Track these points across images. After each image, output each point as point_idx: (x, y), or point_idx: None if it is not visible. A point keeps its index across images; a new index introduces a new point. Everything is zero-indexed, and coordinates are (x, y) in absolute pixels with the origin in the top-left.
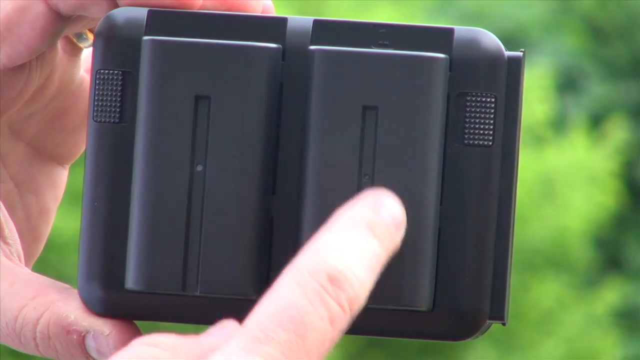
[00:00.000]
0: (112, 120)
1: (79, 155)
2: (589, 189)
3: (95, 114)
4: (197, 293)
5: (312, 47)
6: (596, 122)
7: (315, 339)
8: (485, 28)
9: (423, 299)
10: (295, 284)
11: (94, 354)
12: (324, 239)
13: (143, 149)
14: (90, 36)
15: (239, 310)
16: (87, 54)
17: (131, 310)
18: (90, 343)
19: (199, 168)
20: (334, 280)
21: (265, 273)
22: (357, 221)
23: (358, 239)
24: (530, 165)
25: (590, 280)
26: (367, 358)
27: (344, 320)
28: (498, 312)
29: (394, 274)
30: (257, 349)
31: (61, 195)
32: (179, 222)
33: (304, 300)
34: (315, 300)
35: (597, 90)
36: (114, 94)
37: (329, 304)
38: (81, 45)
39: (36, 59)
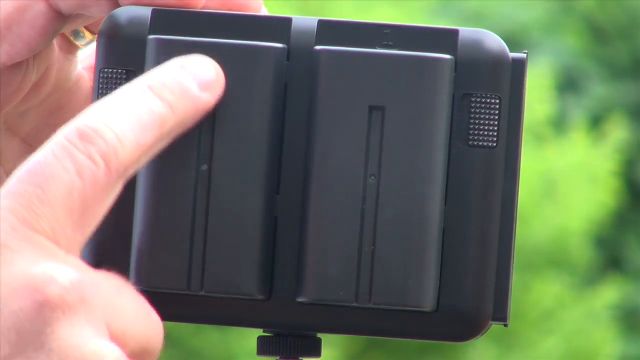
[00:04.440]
0: None
1: None
2: (589, 188)
3: None
4: (202, 292)
5: (317, 47)
6: (596, 121)
7: (59, 189)
8: (486, 28)
9: (427, 300)
10: (47, 145)
11: None
12: (94, 104)
13: None
14: (87, 34)
15: (243, 309)
16: (87, 53)
17: None
18: None
19: (204, 167)
20: (84, 135)
21: (269, 273)
22: (135, 83)
23: (127, 98)
24: (530, 164)
25: (590, 280)
26: (367, 358)
27: (98, 173)
28: (500, 313)
29: (398, 274)
30: None
31: None
32: (184, 221)
33: (48, 155)
34: (60, 154)
35: (598, 90)
36: None
37: (76, 156)
38: (77, 43)
39: (33, 56)
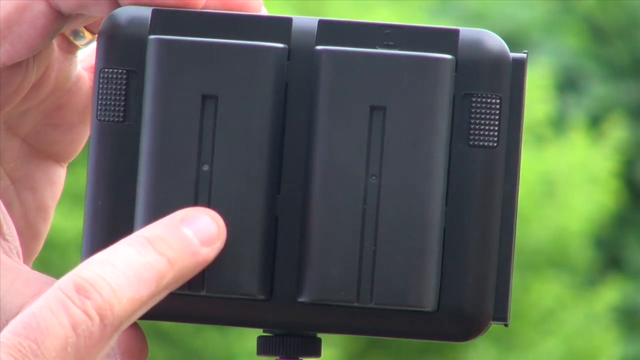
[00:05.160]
0: (116, 119)
1: (76, 154)
2: (589, 188)
3: (99, 112)
4: (203, 292)
5: (318, 47)
6: (596, 121)
7: (54, 344)
8: (486, 28)
9: (428, 300)
10: (43, 297)
11: None
12: (93, 256)
13: (149, 147)
14: (87, 34)
15: (244, 309)
16: (87, 53)
17: None
18: None
19: (205, 167)
20: (81, 289)
21: (270, 273)
22: (134, 237)
23: (126, 252)
24: (530, 165)
25: (591, 280)
26: (367, 358)
27: (93, 328)
28: (501, 313)
29: (400, 274)
30: None
31: (59, 193)
32: None
33: (44, 308)
34: (57, 308)
35: (598, 90)
36: (118, 92)
37: (72, 311)
38: (77, 43)
39: (33, 56)
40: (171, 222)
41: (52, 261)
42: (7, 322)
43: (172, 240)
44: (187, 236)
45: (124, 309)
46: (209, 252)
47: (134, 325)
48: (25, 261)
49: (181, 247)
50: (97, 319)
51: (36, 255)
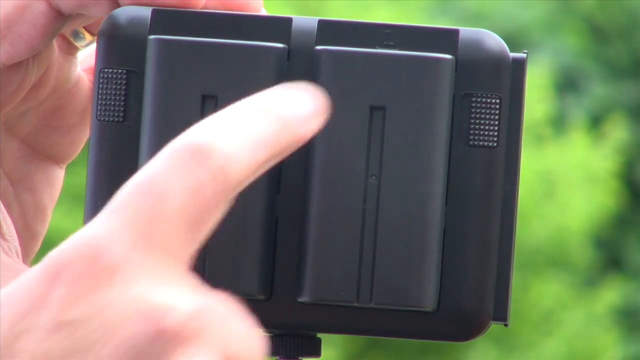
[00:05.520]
0: (116, 119)
1: (75, 156)
2: (589, 188)
3: (98, 112)
4: None
5: (318, 47)
6: (596, 121)
7: (176, 203)
8: (486, 28)
9: (428, 300)
10: (156, 157)
11: None
12: (206, 118)
13: (149, 147)
14: (87, 35)
15: (244, 309)
16: (87, 54)
17: None
18: None
19: None
20: (199, 149)
21: (269, 273)
22: (248, 101)
23: (241, 115)
24: (530, 165)
25: (591, 280)
26: (367, 358)
27: (213, 188)
28: (501, 313)
29: (400, 274)
30: (114, 215)
31: (57, 194)
32: None
33: (162, 168)
34: (175, 167)
35: (597, 90)
36: (118, 93)
37: (192, 170)
38: (77, 44)
39: (33, 56)
40: (281, 90)
41: None
42: None
43: (285, 106)
44: (299, 103)
45: (242, 169)
46: (317, 121)
47: None
48: (24, 262)
49: (293, 113)
50: (217, 177)
51: (33, 255)
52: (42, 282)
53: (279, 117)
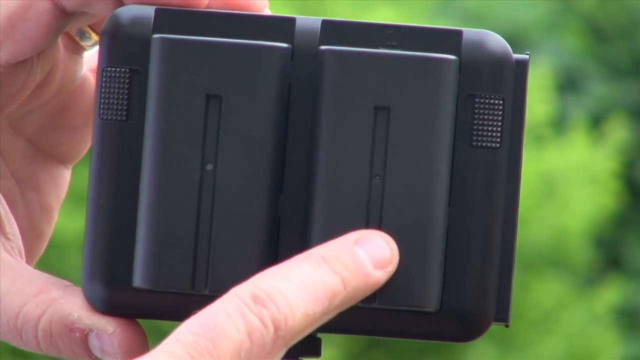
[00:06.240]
0: (119, 118)
1: (81, 157)
2: (589, 189)
3: (101, 111)
4: (206, 292)
5: (322, 47)
6: (597, 122)
7: (229, 347)
8: (486, 28)
9: (431, 300)
10: (220, 301)
11: (97, 353)
12: (269, 269)
13: (153, 146)
14: (93, 34)
15: None
16: (91, 54)
17: (136, 309)
18: (93, 342)
19: (209, 167)
20: (257, 299)
21: None
22: (310, 254)
23: (302, 268)
24: (530, 165)
25: (591, 280)
26: (368, 358)
27: (267, 337)
28: (502, 314)
29: (403, 275)
30: (163, 349)
31: (64, 195)
32: (189, 221)
33: (221, 312)
34: (234, 313)
35: (598, 90)
36: (121, 91)
37: (248, 318)
38: (83, 44)
39: (37, 55)
40: (346, 243)
41: (51, 261)
42: (7, 321)
43: (347, 260)
44: (361, 257)
45: (298, 323)
46: (381, 275)
47: (135, 324)
48: (28, 262)
49: (355, 267)
50: (272, 328)
51: (39, 256)
52: None
53: (345, 267)
